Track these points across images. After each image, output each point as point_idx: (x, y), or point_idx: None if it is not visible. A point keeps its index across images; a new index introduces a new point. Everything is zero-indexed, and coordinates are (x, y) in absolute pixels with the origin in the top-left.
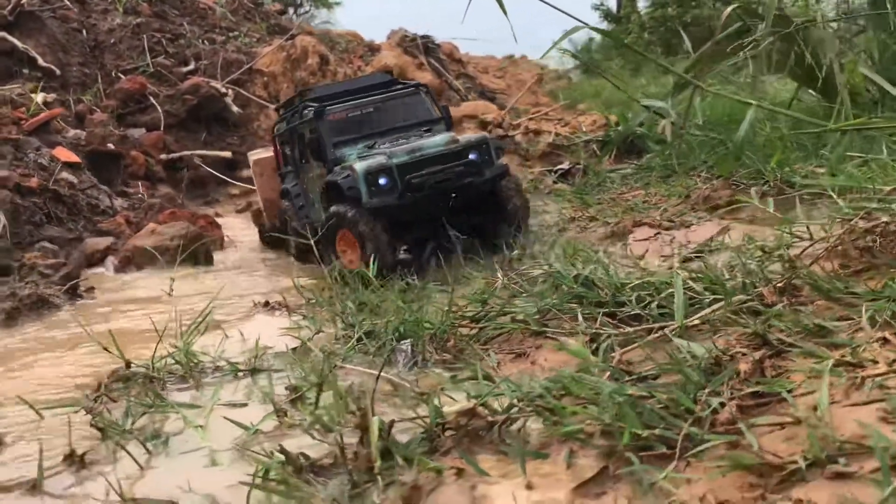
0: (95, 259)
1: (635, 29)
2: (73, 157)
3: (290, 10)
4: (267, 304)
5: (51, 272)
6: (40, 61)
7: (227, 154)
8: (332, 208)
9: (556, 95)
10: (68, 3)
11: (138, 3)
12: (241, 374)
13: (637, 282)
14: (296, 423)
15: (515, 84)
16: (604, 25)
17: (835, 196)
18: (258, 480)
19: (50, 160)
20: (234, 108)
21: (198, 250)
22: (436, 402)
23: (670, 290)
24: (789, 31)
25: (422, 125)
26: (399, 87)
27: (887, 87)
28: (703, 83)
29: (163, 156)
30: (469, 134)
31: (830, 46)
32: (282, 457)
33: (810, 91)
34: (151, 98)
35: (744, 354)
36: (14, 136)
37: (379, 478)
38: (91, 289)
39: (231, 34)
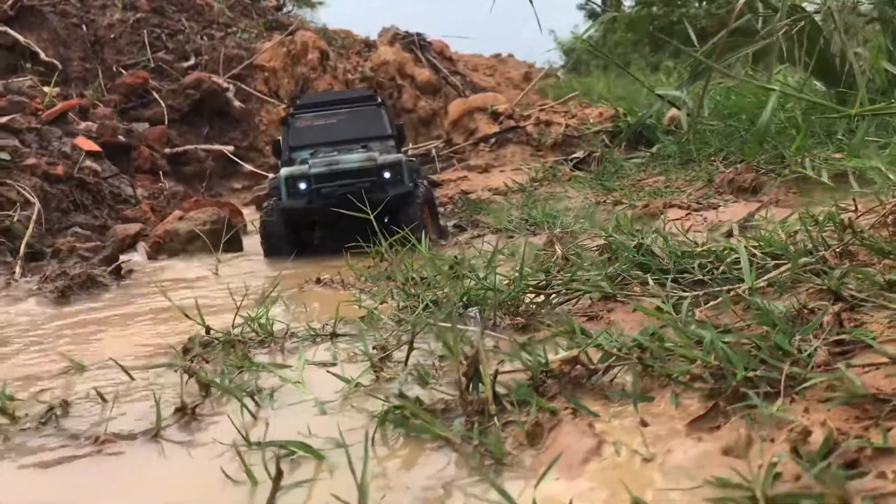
0: (126, 245)
1: (621, 28)
2: (95, 147)
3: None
4: (319, 280)
5: (90, 255)
6: (42, 56)
7: (230, 148)
8: (263, 204)
9: (546, 93)
10: None
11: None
12: (318, 339)
13: (699, 250)
14: (392, 378)
15: (505, 82)
16: (588, 25)
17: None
18: (373, 425)
19: (72, 149)
20: (236, 103)
21: (229, 236)
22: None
23: (731, 258)
24: (802, 21)
25: (371, 140)
26: (364, 102)
27: None
28: (714, 75)
29: (167, 150)
30: (392, 155)
31: (852, 35)
32: (397, 402)
33: (815, 82)
34: (154, 93)
35: (819, 310)
36: (35, 125)
37: (495, 418)
38: (130, 271)
39: (229, 30)
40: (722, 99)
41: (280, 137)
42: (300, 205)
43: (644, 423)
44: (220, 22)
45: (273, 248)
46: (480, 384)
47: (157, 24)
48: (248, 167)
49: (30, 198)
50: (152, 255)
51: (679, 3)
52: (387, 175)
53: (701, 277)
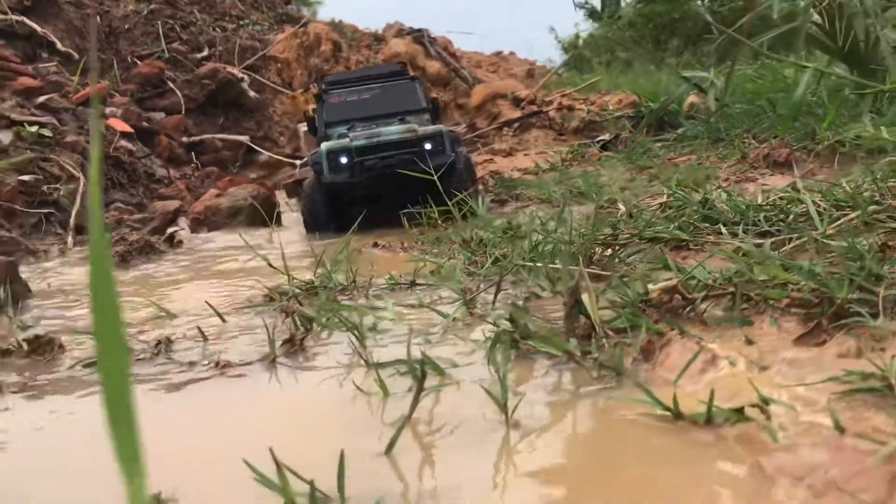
0: (168, 220)
1: (624, 26)
2: (127, 128)
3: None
4: (376, 244)
5: (139, 226)
6: (59, 45)
7: (246, 138)
8: (304, 181)
9: (549, 89)
10: None
11: None
12: (397, 287)
13: (763, 204)
14: (484, 314)
15: (508, 78)
16: (588, 24)
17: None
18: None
19: (106, 130)
20: (251, 94)
21: (269, 212)
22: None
23: (797, 210)
24: (828, 5)
25: (406, 114)
26: (396, 77)
27: None
28: (738, 60)
29: (184, 138)
30: (433, 126)
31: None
32: (509, 325)
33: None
34: (170, 83)
35: None
36: (69, 106)
37: (604, 340)
38: (180, 241)
39: (241, 22)
40: (742, 83)
41: (314, 115)
42: (343, 178)
43: (749, 342)
44: (232, 14)
45: (316, 224)
46: (581, 314)
47: (169, 15)
48: (266, 155)
49: (74, 173)
50: (194, 230)
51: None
52: (428, 146)
53: (767, 229)
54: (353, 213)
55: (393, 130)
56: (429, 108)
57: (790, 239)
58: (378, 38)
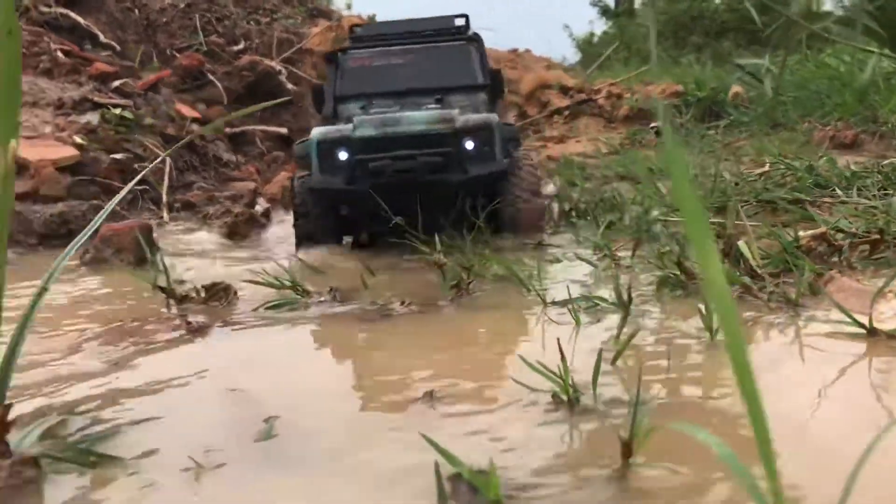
0: (252, 198)
1: (640, 23)
2: (195, 113)
3: None
4: None
5: (230, 203)
6: (101, 37)
7: (284, 130)
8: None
9: (591, 81)
10: None
11: None
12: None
13: (863, 171)
14: (629, 265)
15: (526, 74)
16: (602, 21)
17: None
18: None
19: (176, 114)
20: (289, 86)
21: None
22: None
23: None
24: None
25: (453, 91)
26: (442, 36)
27: None
28: (791, 51)
29: (227, 129)
30: (478, 115)
31: None
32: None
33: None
34: (209, 74)
35: None
36: (140, 91)
37: (765, 280)
38: (270, 216)
39: (275, 16)
40: (792, 71)
41: (322, 85)
42: (337, 184)
43: None
44: (266, 8)
45: (307, 236)
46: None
47: (206, 8)
48: None
49: (158, 152)
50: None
51: None
52: (469, 144)
53: (875, 192)
54: (363, 218)
55: (418, 118)
56: (487, 83)
57: None
58: None
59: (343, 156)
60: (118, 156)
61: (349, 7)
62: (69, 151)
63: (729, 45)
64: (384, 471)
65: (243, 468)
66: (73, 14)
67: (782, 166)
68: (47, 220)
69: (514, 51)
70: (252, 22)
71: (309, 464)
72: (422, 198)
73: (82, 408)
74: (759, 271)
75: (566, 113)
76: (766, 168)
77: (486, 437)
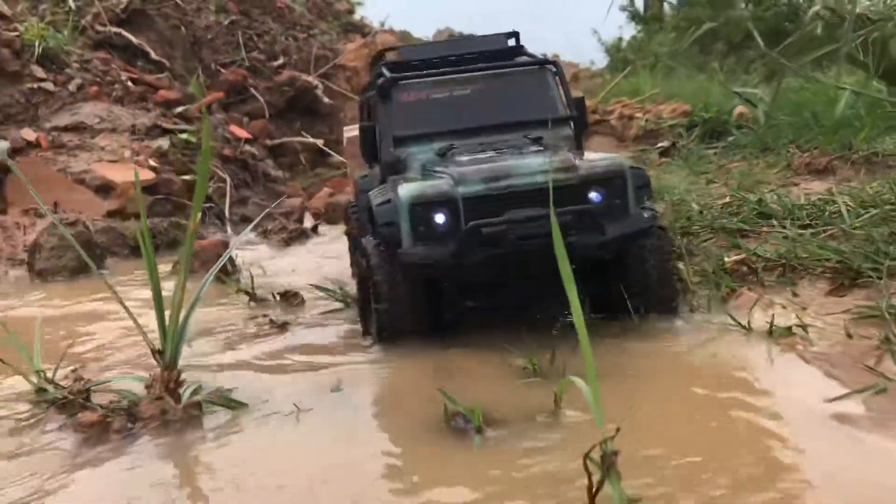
0: (301, 213)
1: (668, 29)
2: (246, 133)
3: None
4: None
5: (284, 220)
6: (152, 55)
7: (321, 141)
8: (362, 242)
9: (607, 101)
10: (178, 0)
11: (226, 3)
12: None
13: (804, 203)
14: None
15: None
16: (631, 26)
17: None
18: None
19: (230, 135)
20: (325, 100)
21: None
22: None
23: (831, 208)
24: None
25: (532, 125)
26: (519, 60)
27: None
28: (785, 76)
29: (267, 141)
30: (595, 154)
31: None
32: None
33: (877, 83)
34: (252, 89)
35: None
36: (198, 114)
37: (687, 292)
38: (317, 229)
39: (311, 32)
40: (788, 94)
41: (369, 124)
42: (441, 256)
43: (795, 294)
44: (302, 24)
45: (393, 327)
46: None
47: (247, 25)
48: (337, 158)
49: (220, 173)
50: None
51: (725, 5)
52: (594, 195)
53: (808, 222)
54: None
55: (533, 166)
56: (573, 115)
57: (825, 229)
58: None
59: (440, 218)
60: (186, 177)
61: (383, 25)
62: (147, 174)
63: (753, 54)
64: (411, 410)
65: (324, 410)
66: (125, 33)
67: (738, 197)
68: (136, 234)
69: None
70: (290, 38)
71: (362, 408)
72: (542, 267)
73: (213, 374)
74: (690, 286)
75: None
76: (728, 199)
77: None
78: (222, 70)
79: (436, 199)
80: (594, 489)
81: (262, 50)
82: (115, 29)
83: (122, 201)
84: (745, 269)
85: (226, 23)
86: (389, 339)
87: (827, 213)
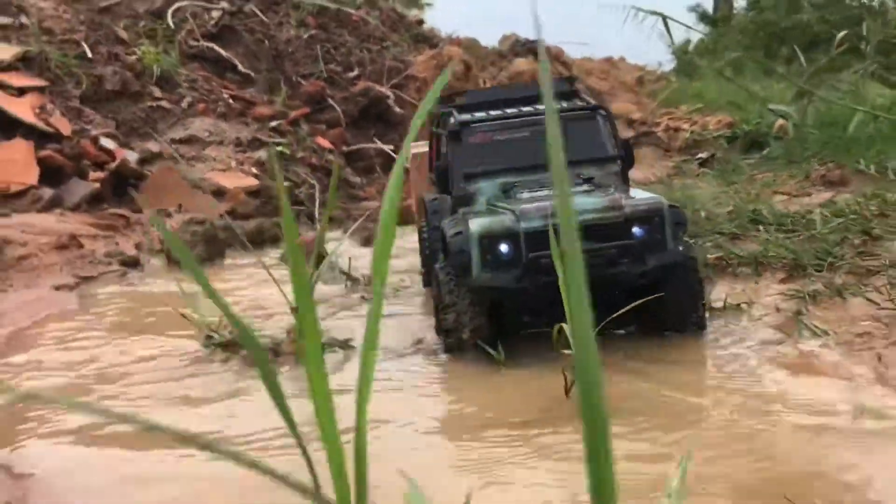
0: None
1: (734, 32)
2: (329, 144)
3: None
4: None
5: (364, 221)
6: (240, 67)
7: (391, 148)
8: (436, 266)
9: (656, 95)
10: (262, 16)
11: (306, 18)
12: None
13: (791, 212)
14: None
15: (618, 86)
16: (700, 27)
17: None
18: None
19: (316, 146)
20: (397, 109)
21: None
22: None
23: (809, 217)
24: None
25: (583, 164)
26: (573, 106)
27: None
28: (818, 91)
29: (344, 148)
30: (640, 193)
31: None
32: None
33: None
34: (330, 99)
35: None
36: (289, 128)
37: None
38: None
39: (384, 44)
40: (824, 110)
41: (445, 161)
42: (506, 282)
43: (756, 282)
44: (376, 37)
45: (461, 342)
46: None
47: (324, 39)
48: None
49: (309, 180)
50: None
51: (792, 9)
52: (637, 230)
53: (790, 228)
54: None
55: (587, 205)
56: (620, 155)
57: (800, 234)
58: (501, 55)
59: (504, 248)
60: (284, 184)
61: (451, 36)
62: (251, 181)
63: (819, 56)
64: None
65: (413, 355)
66: (216, 47)
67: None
68: (250, 231)
69: (609, 59)
70: (364, 50)
71: (437, 354)
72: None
73: (328, 328)
74: None
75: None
76: (731, 208)
77: None
78: (302, 81)
79: (501, 233)
80: (568, 385)
81: (338, 62)
82: (207, 43)
83: (232, 204)
84: (724, 263)
85: (305, 36)
86: (455, 350)
87: (805, 221)
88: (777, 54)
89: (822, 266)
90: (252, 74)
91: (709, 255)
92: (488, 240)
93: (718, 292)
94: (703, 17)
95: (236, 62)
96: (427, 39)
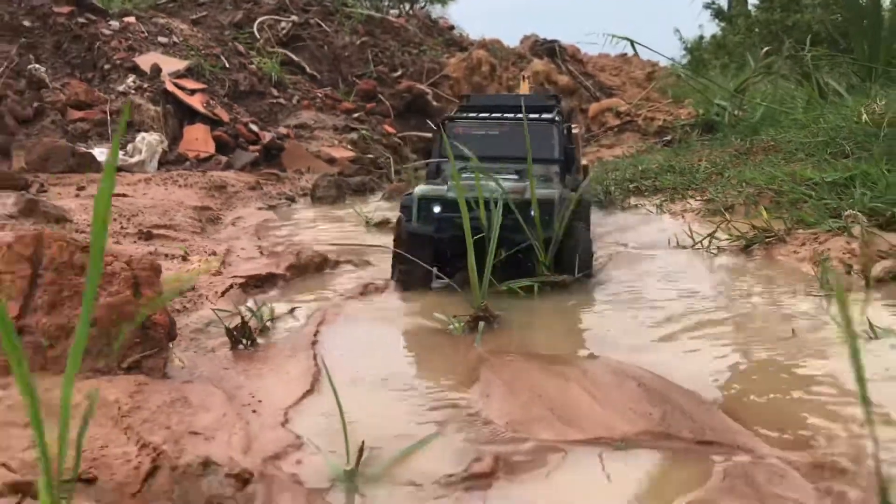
0: None
1: (742, 30)
2: (393, 130)
3: (406, 6)
4: None
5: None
6: (308, 69)
7: (430, 135)
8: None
9: (665, 91)
10: (323, 25)
11: (357, 26)
12: None
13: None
14: None
15: (629, 81)
16: (714, 24)
17: None
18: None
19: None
20: (434, 104)
21: None
22: None
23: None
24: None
25: (538, 161)
26: (532, 115)
27: None
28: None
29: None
30: (557, 188)
31: None
32: None
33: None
34: (380, 95)
35: None
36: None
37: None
38: None
39: (421, 48)
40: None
41: (437, 145)
42: (428, 230)
43: (669, 200)
44: (415, 42)
45: (405, 278)
46: None
47: (373, 44)
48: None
49: (384, 153)
50: None
51: (795, 8)
52: (532, 212)
53: (686, 173)
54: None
55: (501, 187)
56: (560, 159)
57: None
58: (520, 56)
59: (436, 209)
60: (369, 155)
61: (481, 39)
62: (349, 153)
63: (819, 52)
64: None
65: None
66: (289, 53)
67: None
68: (355, 185)
69: (623, 55)
70: (406, 53)
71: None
72: (487, 249)
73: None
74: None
75: (615, 129)
76: (656, 165)
77: None
78: (357, 80)
79: (433, 197)
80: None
81: (384, 63)
82: (281, 49)
83: (340, 167)
84: (639, 189)
85: (357, 42)
86: (403, 286)
87: (695, 169)
88: (779, 52)
89: (687, 188)
90: (317, 76)
91: (631, 186)
92: (425, 201)
93: (637, 202)
94: (719, 13)
95: (304, 64)
96: (456, 43)
